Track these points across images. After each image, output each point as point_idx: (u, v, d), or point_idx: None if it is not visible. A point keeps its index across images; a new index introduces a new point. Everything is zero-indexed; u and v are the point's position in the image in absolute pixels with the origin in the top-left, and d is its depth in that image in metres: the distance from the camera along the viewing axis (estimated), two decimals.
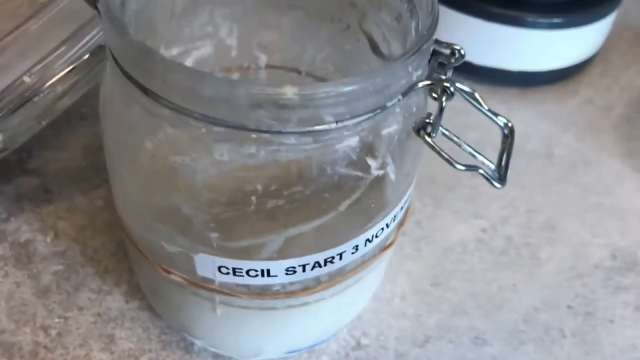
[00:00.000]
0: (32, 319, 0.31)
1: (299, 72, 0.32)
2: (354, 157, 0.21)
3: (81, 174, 0.38)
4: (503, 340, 0.33)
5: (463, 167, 0.23)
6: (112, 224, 0.35)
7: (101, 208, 0.36)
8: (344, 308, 0.28)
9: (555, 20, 0.42)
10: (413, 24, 0.23)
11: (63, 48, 0.26)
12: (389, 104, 0.20)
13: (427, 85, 0.21)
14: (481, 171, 0.23)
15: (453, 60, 0.23)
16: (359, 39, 0.29)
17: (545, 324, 0.34)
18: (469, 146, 0.23)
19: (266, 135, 0.19)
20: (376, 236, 0.24)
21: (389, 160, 0.22)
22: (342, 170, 0.21)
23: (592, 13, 0.43)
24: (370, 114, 0.20)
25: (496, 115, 0.24)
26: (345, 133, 0.20)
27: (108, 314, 0.32)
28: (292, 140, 0.20)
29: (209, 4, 0.28)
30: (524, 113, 0.45)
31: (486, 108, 0.24)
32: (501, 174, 0.24)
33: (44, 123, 0.27)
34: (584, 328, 0.34)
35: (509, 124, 0.24)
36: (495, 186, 0.23)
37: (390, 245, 0.26)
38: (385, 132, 0.21)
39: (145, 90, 0.20)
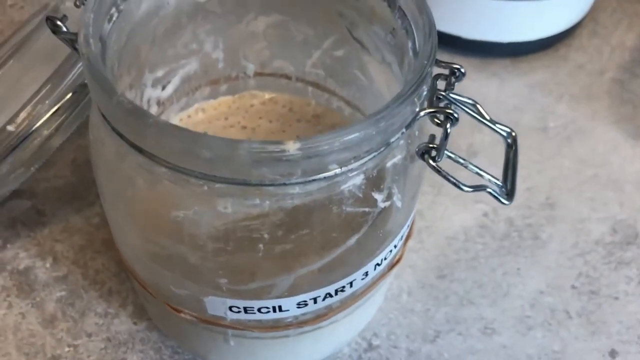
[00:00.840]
0: (42, 350, 0.31)
1: (289, 78, 0.31)
2: (360, 195, 0.21)
3: (72, 191, 0.37)
4: (511, 327, 0.33)
5: (470, 189, 0.22)
6: (111, 243, 0.35)
7: (98, 226, 0.36)
8: (356, 322, 0.28)
9: None
10: (410, 44, 0.22)
11: (45, 90, 0.25)
12: (392, 140, 0.20)
13: (430, 113, 0.21)
14: (489, 190, 0.23)
15: (453, 80, 0.22)
16: (350, 46, 0.28)
17: (551, 307, 0.34)
18: (475, 166, 0.23)
19: (270, 188, 0.19)
20: (385, 259, 0.24)
21: (394, 190, 0.22)
22: (349, 209, 0.21)
23: None
24: (375, 153, 0.20)
25: (497, 124, 0.24)
26: (350, 175, 0.20)
27: (117, 337, 0.32)
28: (296, 189, 0.19)
29: (190, 23, 0.27)
30: (516, 84, 0.44)
31: (488, 118, 0.23)
32: (508, 189, 0.23)
33: (33, 169, 0.26)
34: (588, 307, 0.34)
35: (513, 133, 0.24)
36: (503, 203, 0.23)
37: (398, 261, 0.26)
38: (389, 163, 0.21)
39: (139, 150, 0.19)
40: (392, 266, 0.26)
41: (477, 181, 0.23)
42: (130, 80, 0.26)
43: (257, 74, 0.31)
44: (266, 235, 0.20)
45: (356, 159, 0.19)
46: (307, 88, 0.31)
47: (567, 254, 0.36)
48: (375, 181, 0.21)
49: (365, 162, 0.19)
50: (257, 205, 0.19)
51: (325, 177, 0.19)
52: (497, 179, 0.23)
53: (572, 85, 0.44)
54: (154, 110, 0.29)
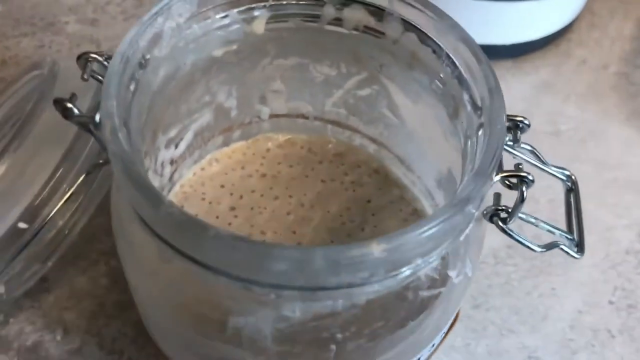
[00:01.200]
0: None
1: (306, 118, 0.29)
2: (436, 276, 0.19)
3: (74, 251, 0.34)
4: (555, 354, 0.32)
5: (542, 249, 0.21)
6: (123, 304, 0.32)
7: (107, 287, 0.33)
8: None
9: None
10: (466, 96, 0.20)
11: (56, 177, 0.22)
12: (469, 220, 0.18)
13: (504, 177, 0.19)
14: (561, 247, 0.21)
15: (519, 134, 0.20)
16: (379, 86, 0.26)
17: (592, 327, 0.33)
18: (546, 224, 0.21)
19: (346, 290, 0.17)
20: (445, 332, 0.22)
21: (467, 262, 0.20)
22: (425, 293, 0.19)
23: None
24: (455, 233, 0.18)
25: (553, 167, 0.22)
26: (430, 260, 0.18)
27: None
28: (375, 287, 0.17)
29: (204, 77, 0.24)
30: (521, 87, 0.43)
31: (549, 164, 0.22)
32: (577, 241, 0.22)
33: (49, 264, 0.23)
34: (629, 323, 0.33)
35: (573, 177, 0.22)
36: (575, 257, 0.21)
37: (452, 327, 0.25)
38: (462, 238, 0.19)
39: (192, 259, 0.17)
40: (446, 334, 0.24)
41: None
42: (145, 148, 0.23)
43: (272, 116, 0.29)
44: (339, 335, 0.18)
45: (437, 246, 0.17)
46: (326, 126, 0.29)
47: (600, 267, 0.35)
48: (450, 259, 0.19)
49: (446, 245, 0.17)
50: (329, 306, 0.17)
51: (406, 271, 0.17)
52: (564, 231, 0.22)
53: (578, 83, 0.43)
54: (167, 171, 0.26)
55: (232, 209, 0.28)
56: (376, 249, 0.15)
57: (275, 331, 0.18)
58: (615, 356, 0.32)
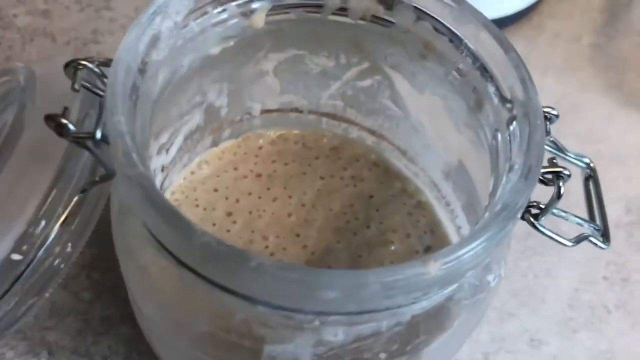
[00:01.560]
0: None
1: (300, 111, 0.28)
2: (477, 283, 0.18)
3: None
4: (556, 334, 0.32)
5: (572, 243, 0.20)
6: (111, 319, 0.30)
7: (91, 302, 0.31)
8: None
9: None
10: (491, 88, 0.19)
11: (49, 200, 0.19)
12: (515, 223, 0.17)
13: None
14: (591, 239, 0.20)
15: (548, 125, 0.19)
16: (381, 76, 0.24)
17: (589, 304, 0.33)
18: (576, 216, 0.20)
19: (397, 309, 0.15)
20: None
21: (502, 263, 0.19)
22: (466, 302, 0.18)
23: None
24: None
25: (571, 155, 0.21)
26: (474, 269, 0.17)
27: None
28: (424, 304, 0.16)
29: (197, 77, 0.23)
30: None
31: (568, 151, 0.21)
32: (602, 230, 0.21)
33: (47, 294, 0.21)
34: (623, 297, 0.33)
35: (591, 164, 0.22)
36: (602, 248, 0.21)
37: None
38: None
39: (227, 289, 0.15)
40: None
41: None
42: None
43: (263, 112, 0.27)
44: (382, 355, 0.17)
45: (490, 254, 0.16)
46: (321, 120, 0.28)
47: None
48: (489, 264, 0.18)
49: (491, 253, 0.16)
50: (373, 327, 0.16)
51: (454, 285, 0.16)
52: (590, 222, 0.21)
53: (554, 56, 0.43)
54: (159, 178, 0.24)
55: (229, 214, 0.26)
56: (433, 268, 0.14)
57: (314, 356, 0.17)
58: (612, 331, 0.32)
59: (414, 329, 0.17)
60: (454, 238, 0.25)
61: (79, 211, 0.20)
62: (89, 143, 0.17)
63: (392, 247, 0.26)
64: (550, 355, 0.31)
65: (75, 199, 0.19)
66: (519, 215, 0.16)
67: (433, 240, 0.26)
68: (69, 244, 0.20)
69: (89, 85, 0.18)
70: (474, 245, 0.15)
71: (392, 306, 0.15)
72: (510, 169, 0.17)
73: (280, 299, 0.15)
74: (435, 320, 0.17)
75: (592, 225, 0.20)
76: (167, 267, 0.16)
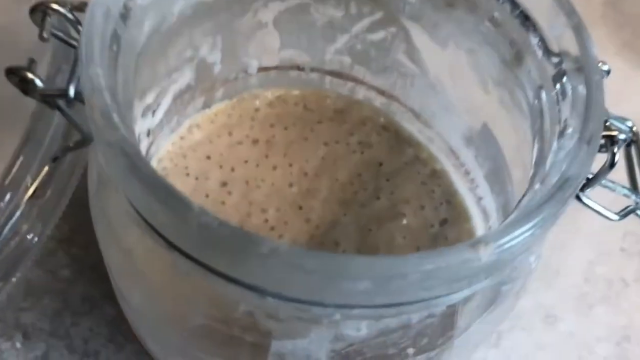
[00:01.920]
0: None
1: (301, 69, 0.25)
2: (517, 266, 0.15)
3: None
4: (572, 310, 0.30)
5: (619, 217, 0.18)
6: (92, 299, 0.28)
7: (70, 280, 0.28)
8: None
9: None
10: (534, 39, 0.16)
11: (15, 169, 0.16)
12: None
13: None
14: (637, 211, 0.18)
15: None
16: (396, 27, 0.21)
17: (606, 277, 0.31)
18: (624, 187, 0.18)
19: (434, 300, 0.13)
20: None
21: (543, 242, 0.16)
22: (505, 287, 0.15)
23: None
24: None
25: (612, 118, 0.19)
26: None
27: None
28: (464, 293, 0.13)
29: (187, 27, 0.20)
30: None
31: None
32: None
33: (14, 280, 0.18)
34: None
35: (634, 128, 0.19)
36: None
37: None
38: None
39: (230, 278, 0.12)
40: None
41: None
42: None
43: (260, 70, 0.24)
44: (410, 350, 0.14)
45: (543, 234, 0.14)
46: (324, 78, 0.25)
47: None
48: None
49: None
50: (402, 320, 0.14)
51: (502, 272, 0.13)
52: (634, 191, 0.19)
53: None
54: (144, 144, 0.21)
55: (224, 184, 0.23)
56: (484, 253, 0.12)
57: (330, 352, 0.14)
58: (631, 306, 0.31)
59: (447, 320, 0.15)
60: (473, 210, 0.23)
61: (51, 182, 0.17)
62: (61, 102, 0.15)
63: (405, 221, 0.23)
64: (566, 332, 0.30)
65: (46, 168, 0.16)
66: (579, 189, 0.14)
67: (449, 213, 0.23)
68: (40, 220, 0.17)
69: (60, 34, 0.15)
70: (531, 224, 0.12)
71: (428, 297, 0.13)
72: (562, 133, 0.14)
73: (296, 290, 0.12)
74: (470, 311, 0.15)
75: (636, 196, 0.18)
76: (156, 250, 0.13)
